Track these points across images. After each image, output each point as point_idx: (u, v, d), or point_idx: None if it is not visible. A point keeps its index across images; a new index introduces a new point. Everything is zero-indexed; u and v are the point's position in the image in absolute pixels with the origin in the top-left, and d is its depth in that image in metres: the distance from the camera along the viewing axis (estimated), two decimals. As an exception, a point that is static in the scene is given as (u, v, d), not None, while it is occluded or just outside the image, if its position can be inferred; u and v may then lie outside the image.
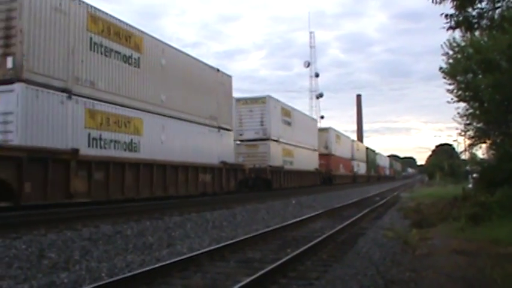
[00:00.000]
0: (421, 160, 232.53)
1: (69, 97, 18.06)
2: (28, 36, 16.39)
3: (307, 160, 48.61)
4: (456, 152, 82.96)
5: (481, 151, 40.57)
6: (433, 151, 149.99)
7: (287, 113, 42.98)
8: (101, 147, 19.57)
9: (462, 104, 30.34)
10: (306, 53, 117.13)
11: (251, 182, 35.85)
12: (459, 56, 28.99)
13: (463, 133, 33.22)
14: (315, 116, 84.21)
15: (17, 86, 16.07)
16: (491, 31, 13.73)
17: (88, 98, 18.96)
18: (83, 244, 11.93)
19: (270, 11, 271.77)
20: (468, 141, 36.06)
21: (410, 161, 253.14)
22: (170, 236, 14.07)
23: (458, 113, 30.80)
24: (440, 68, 29.72)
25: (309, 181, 48.53)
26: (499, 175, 22.47)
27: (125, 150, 21.03)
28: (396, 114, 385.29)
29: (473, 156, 45.52)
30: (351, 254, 11.54)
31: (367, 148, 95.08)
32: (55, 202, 17.47)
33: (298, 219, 18.64)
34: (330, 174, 58.30)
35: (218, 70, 30.79)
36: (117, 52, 20.87)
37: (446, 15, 10.74)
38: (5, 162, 15.12)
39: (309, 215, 20.19)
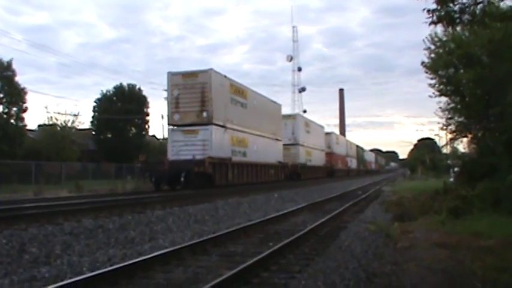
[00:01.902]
0: (403, 154, 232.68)
1: (225, 130, 34.44)
2: (213, 100, 32.33)
3: (319, 158, 65.95)
4: (438, 146, 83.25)
5: (462, 145, 40.82)
6: (415, 145, 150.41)
7: (307, 124, 61.00)
8: (235, 156, 35.97)
9: (444, 99, 30.38)
10: (289, 47, 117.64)
11: (289, 174, 50.41)
12: (441, 50, 29.01)
13: (444, 127, 33.31)
14: (297, 110, 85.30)
15: (210, 127, 32.12)
16: (473, 26, 13.80)
17: (230, 129, 35.34)
18: (64, 238, 11.87)
19: (254, 5, 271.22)
20: (449, 136, 36.26)
21: (392, 155, 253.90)
22: (152, 230, 14.05)
23: (440, 108, 30.84)
24: (422, 63, 29.74)
25: (320, 174, 64.77)
26: (479, 169, 22.62)
27: (242, 156, 37.60)
28: (379, 109, 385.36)
29: (454, 150, 45.80)
30: (333, 247, 11.56)
31: (357, 146, 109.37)
32: (222, 184, 33.13)
33: (280, 213, 18.69)
34: (333, 169, 74.22)
35: (275, 102, 48.66)
36: (238, 102, 37.45)
37: (428, 10, 10.78)
38: (211, 165, 31.35)
39: (291, 209, 20.24)
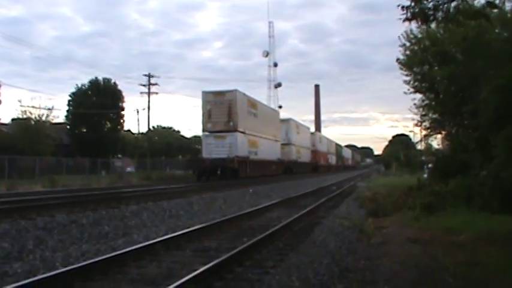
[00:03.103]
0: (378, 150, 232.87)
1: (245, 135, 43.71)
2: (238, 113, 42.13)
3: (306, 155, 76.34)
4: (412, 143, 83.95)
5: (436, 142, 41.02)
6: (390, 141, 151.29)
7: (297, 127, 71.44)
8: (251, 155, 45.53)
9: (418, 95, 30.49)
10: (265, 43, 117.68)
11: (284, 169, 59.52)
12: (416, 47, 29.14)
13: (419, 124, 33.53)
14: (272, 105, 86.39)
15: (235, 133, 41.71)
16: (447, 24, 13.90)
17: (248, 134, 44.85)
18: (37, 233, 11.79)
19: (230, 0, 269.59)
20: (424, 132, 36.49)
21: (367, 151, 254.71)
22: (126, 225, 14.00)
23: (415, 104, 30.93)
24: (398, 59, 29.81)
25: (307, 169, 74.15)
26: (453, 165, 22.85)
27: (255, 155, 47.09)
28: (354, 105, 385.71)
29: (428, 147, 46.10)
30: (307, 242, 11.62)
31: (336, 144, 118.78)
32: (243, 176, 41.43)
33: (255, 208, 18.71)
34: (317, 165, 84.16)
35: (274, 110, 64.74)
36: (252, 113, 47.67)
37: (402, 7, 10.83)
38: (237, 162, 40.86)
39: (265, 204, 20.27)
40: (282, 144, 60.83)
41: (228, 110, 41.94)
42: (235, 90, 43.09)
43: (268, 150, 52.45)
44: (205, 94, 43.15)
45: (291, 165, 63.10)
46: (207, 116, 42.51)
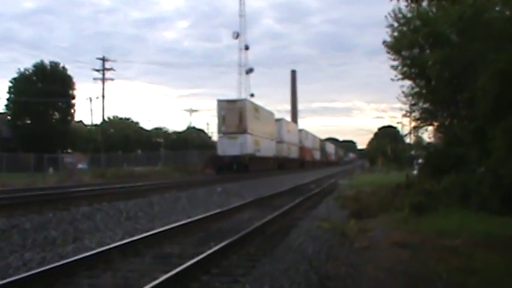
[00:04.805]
0: (362, 144, 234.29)
1: (251, 136, 56.95)
2: (247, 119, 56.05)
3: (295, 152, 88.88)
4: (400, 135, 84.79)
5: (427, 134, 41.21)
6: (375, 134, 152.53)
7: (288, 125, 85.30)
8: (255, 152, 58.12)
9: (407, 82, 30.33)
10: (236, 23, 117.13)
11: (278, 165, 71.39)
12: (405, 28, 29.12)
13: (408, 114, 33.69)
14: (243, 94, 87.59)
15: (246, 134, 55.31)
16: (440, 1, 13.98)
17: (253, 135, 57.92)
18: (-29, 240, 11.64)
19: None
20: (413, 124, 36.59)
21: (350, 144, 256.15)
22: (77, 229, 13.91)
23: (403, 92, 30.76)
24: (384, 42, 29.69)
25: (295, 164, 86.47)
26: (446, 161, 23.03)
27: (258, 152, 58.98)
28: (336, 93, 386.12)
29: (418, 140, 46.37)
30: (282, 247, 11.64)
31: (320, 140, 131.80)
32: (251, 170, 53.46)
33: (223, 209, 18.71)
34: (304, 160, 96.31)
35: (271, 112, 73.22)
36: (255, 116, 60.19)
37: (390, -18, 10.88)
38: (248, 159, 54.77)
39: (236, 205, 20.28)
40: (276, 142, 73.40)
41: (239, 116, 54.77)
42: (245, 100, 61.74)
43: (267, 148, 65.68)
44: (220, 102, 56.50)
45: (283, 162, 75.89)
46: (222, 120, 55.51)
